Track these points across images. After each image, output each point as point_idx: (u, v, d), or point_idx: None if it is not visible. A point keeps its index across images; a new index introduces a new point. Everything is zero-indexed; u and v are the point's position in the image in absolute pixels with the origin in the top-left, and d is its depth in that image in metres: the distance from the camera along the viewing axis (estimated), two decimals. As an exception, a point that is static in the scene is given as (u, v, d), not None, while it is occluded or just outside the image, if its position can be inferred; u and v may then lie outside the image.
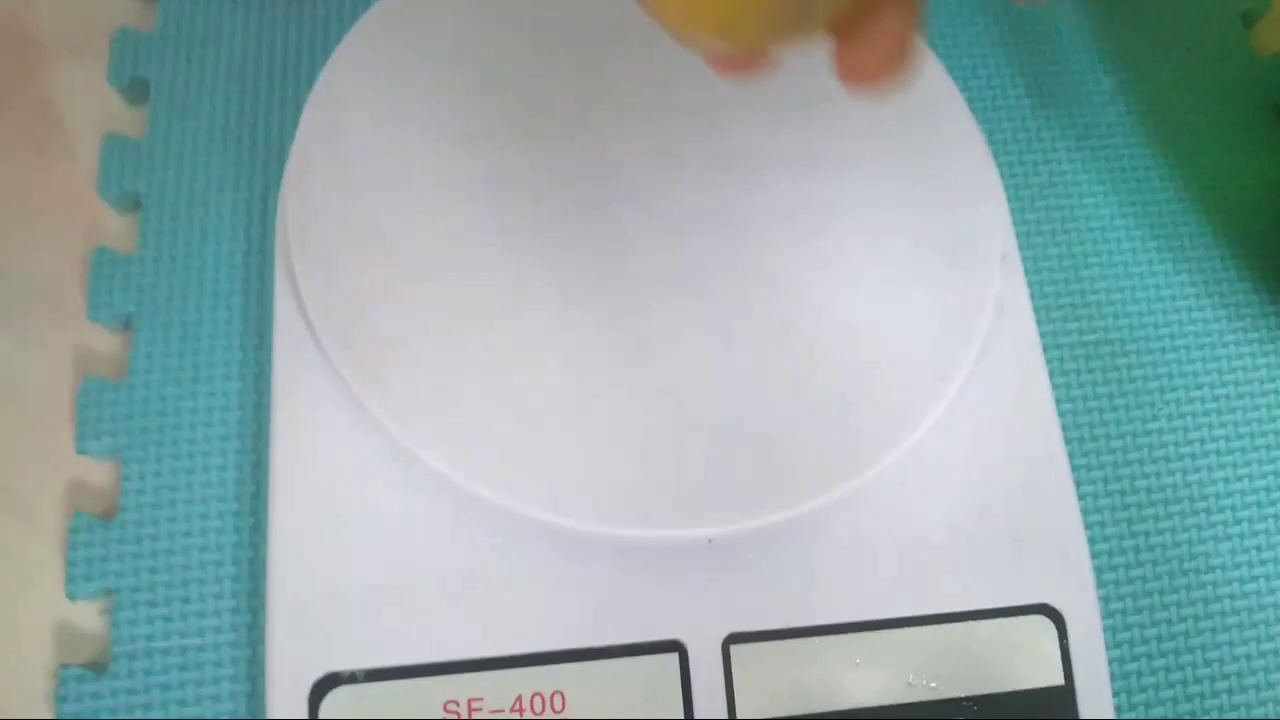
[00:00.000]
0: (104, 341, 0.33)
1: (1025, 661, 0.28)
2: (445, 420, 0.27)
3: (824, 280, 0.30)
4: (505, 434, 0.27)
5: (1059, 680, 0.28)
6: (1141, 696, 0.31)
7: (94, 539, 0.30)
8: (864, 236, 0.31)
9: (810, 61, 0.32)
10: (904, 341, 0.29)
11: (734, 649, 0.28)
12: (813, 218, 0.31)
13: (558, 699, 0.27)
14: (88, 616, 0.30)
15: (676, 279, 0.30)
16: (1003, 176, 0.33)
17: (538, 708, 0.27)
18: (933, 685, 0.28)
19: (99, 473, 0.32)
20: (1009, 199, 0.33)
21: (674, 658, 0.27)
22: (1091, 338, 0.35)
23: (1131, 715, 0.31)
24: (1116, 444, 0.34)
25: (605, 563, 0.27)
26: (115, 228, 0.34)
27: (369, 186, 0.30)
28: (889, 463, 0.28)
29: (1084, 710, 0.28)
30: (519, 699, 0.27)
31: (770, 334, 0.29)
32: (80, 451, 0.31)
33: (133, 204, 0.34)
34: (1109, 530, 0.33)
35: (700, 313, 0.29)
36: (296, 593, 0.27)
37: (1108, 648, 0.29)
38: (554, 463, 0.27)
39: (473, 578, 0.27)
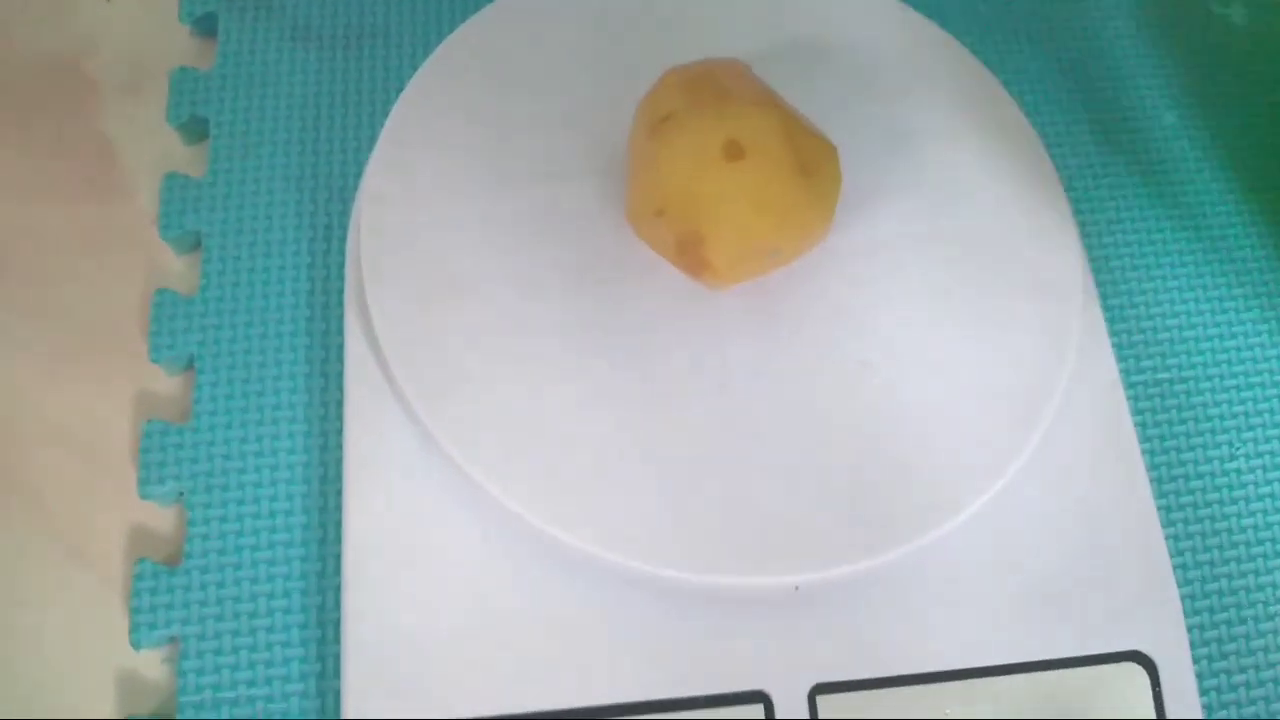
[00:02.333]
0: (166, 384, 0.32)
1: (1118, 710, 0.27)
2: (524, 462, 0.27)
3: (905, 319, 0.29)
4: (585, 477, 0.27)
5: (1153, 729, 0.28)
6: (1232, 745, 0.30)
7: (158, 585, 0.29)
8: (944, 274, 0.30)
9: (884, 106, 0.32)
10: (987, 383, 0.29)
11: (820, 699, 0.27)
12: (892, 256, 0.30)
13: (640, 752, 0.26)
14: (152, 666, 0.30)
15: (756, 317, 0.29)
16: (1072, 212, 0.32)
17: (621, 760, 0.26)
18: (1025, 735, 0.27)
19: (163, 518, 0.31)
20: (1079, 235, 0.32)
21: (759, 708, 0.27)
22: (1165, 375, 0.35)
23: (1222, 765, 0.30)
24: (1195, 484, 0.33)
25: (688, 610, 0.27)
26: (176, 268, 0.34)
27: (443, 225, 0.30)
28: (976, 508, 0.27)
29: (1180, 759, 0.27)
30: (601, 752, 0.26)
31: (852, 374, 0.29)
32: (144, 496, 0.30)
33: (194, 243, 0.34)
34: (1191, 573, 0.32)
35: (781, 352, 0.29)
36: (372, 641, 0.26)
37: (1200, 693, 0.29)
38: (635, 506, 0.26)
39: (552, 626, 0.27)
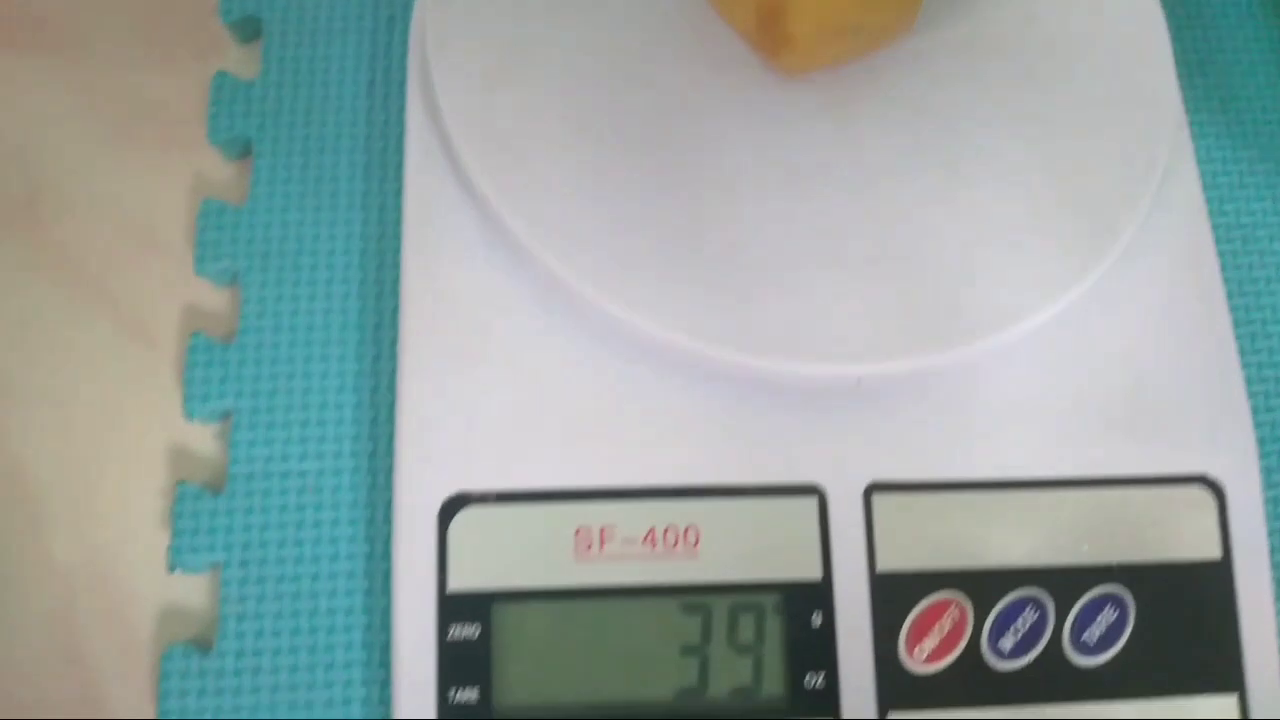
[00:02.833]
0: (223, 166, 0.32)
1: (1181, 533, 0.27)
2: (589, 240, 0.26)
3: (986, 122, 0.28)
4: (651, 258, 0.26)
5: (1216, 554, 0.27)
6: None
7: (213, 359, 0.29)
8: (1032, 79, 0.29)
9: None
10: (1069, 191, 0.28)
11: (876, 497, 0.26)
12: (978, 57, 0.29)
13: (691, 534, 0.26)
14: (205, 440, 0.30)
15: (831, 111, 0.28)
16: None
17: (670, 541, 0.26)
18: (1083, 549, 0.26)
19: (217, 298, 0.31)
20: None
21: (813, 502, 0.26)
22: (1248, 220, 0.33)
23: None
24: (1274, 329, 0.32)
25: (748, 398, 0.26)
26: (236, 54, 0.33)
27: (511, 2, 0.29)
28: (1051, 315, 0.26)
29: (1242, 586, 0.27)
30: (651, 531, 0.26)
31: (935, 172, 0.27)
32: (199, 273, 0.30)
33: (254, 31, 0.33)
34: (1274, 400, 0.31)
35: (855, 147, 0.28)
36: (427, 412, 0.26)
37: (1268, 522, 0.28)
38: (701, 290, 0.26)
39: (609, 405, 0.26)
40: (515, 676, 0.25)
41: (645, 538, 0.26)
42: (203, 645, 0.28)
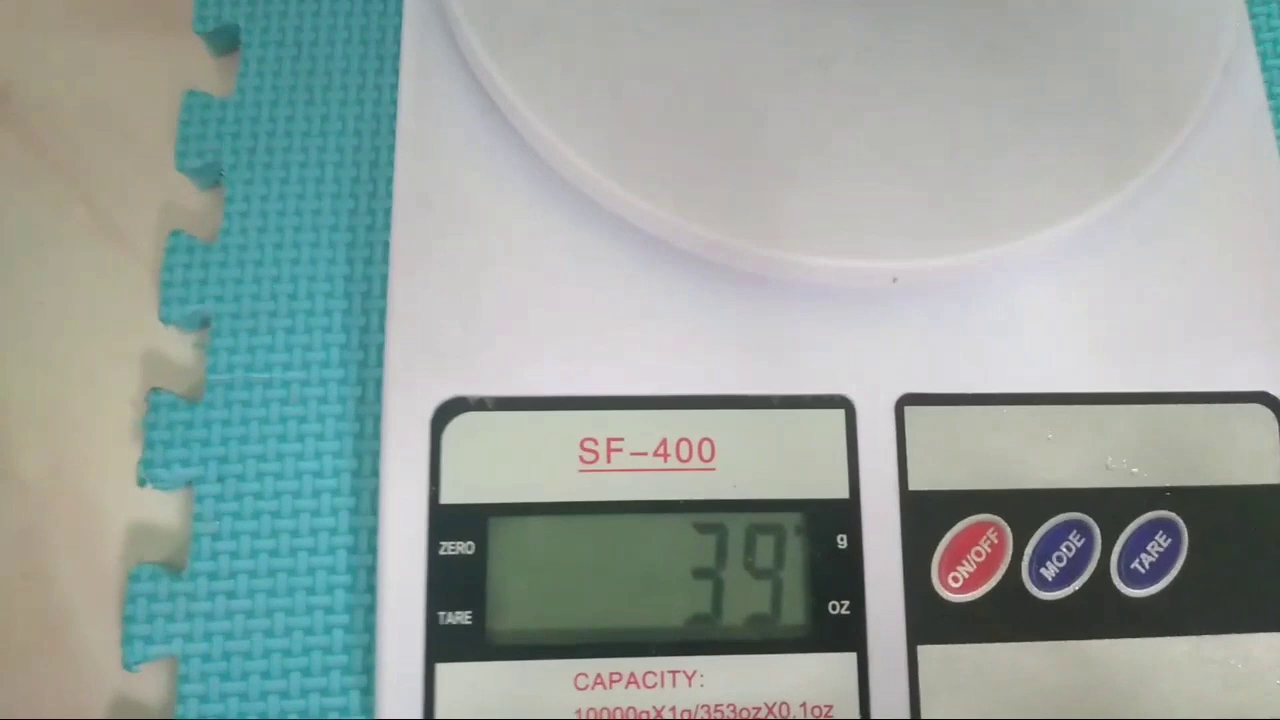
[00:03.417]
0: (208, 58, 0.30)
1: (1239, 455, 0.25)
2: (601, 123, 0.24)
3: (1044, 7, 0.26)
4: (669, 144, 0.24)
5: (1276, 479, 0.25)
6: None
7: (192, 260, 0.27)
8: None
9: None
10: (1127, 83, 0.25)
11: (909, 410, 0.24)
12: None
13: (706, 447, 0.24)
14: (182, 347, 0.28)
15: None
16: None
17: (684, 455, 0.24)
18: (1133, 470, 0.24)
19: (199, 196, 0.29)
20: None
21: (839, 415, 0.24)
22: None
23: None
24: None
25: (772, 299, 0.24)
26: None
27: None
28: (1100, 214, 0.24)
29: (1305, 514, 0.24)
30: (663, 443, 0.24)
31: (982, 59, 0.25)
32: (181, 169, 0.28)
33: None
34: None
35: (903, 29, 0.25)
36: (421, 308, 0.24)
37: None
38: (725, 179, 0.24)
39: (620, 306, 0.24)
40: (511, 598, 0.23)
41: (657, 450, 0.24)
42: (174, 567, 0.26)
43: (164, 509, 0.26)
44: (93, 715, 0.25)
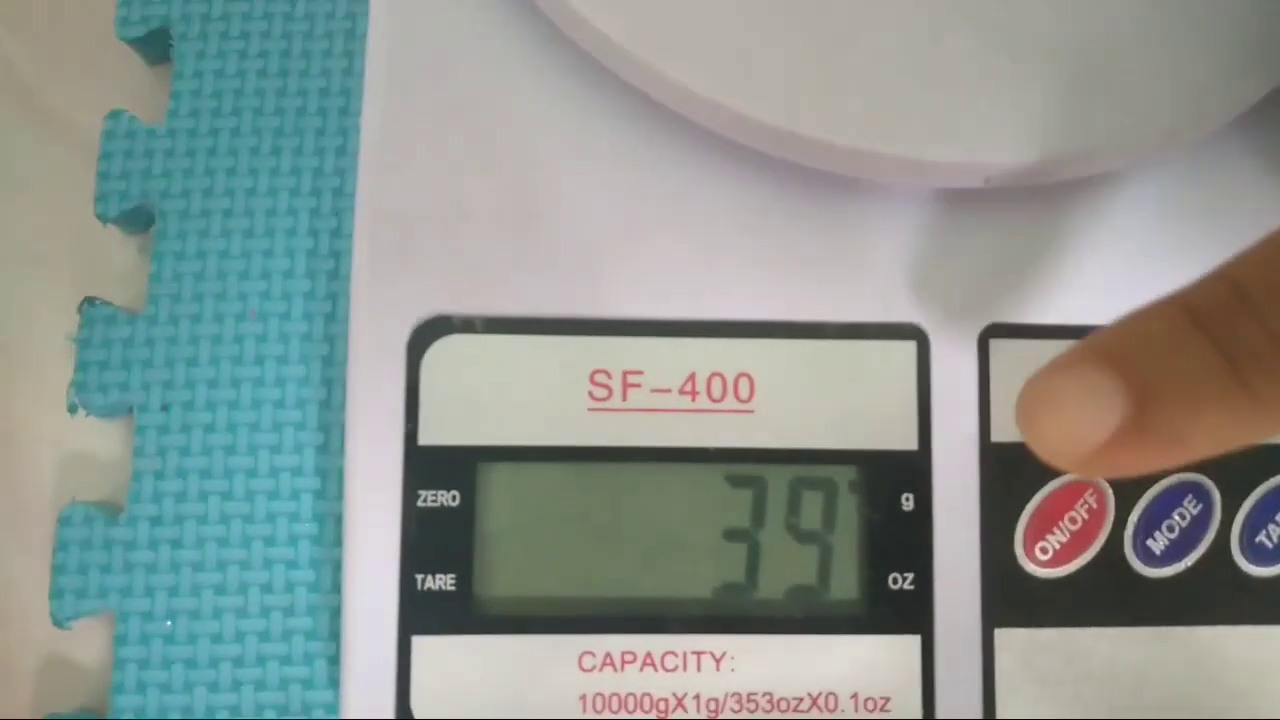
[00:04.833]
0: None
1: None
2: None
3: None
4: (710, 8, 0.19)
5: None
6: None
7: (134, 147, 0.23)
8: None
9: None
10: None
11: (994, 344, 0.20)
12: None
13: (743, 384, 0.20)
14: (122, 250, 0.24)
15: None
16: None
17: (715, 393, 0.20)
18: (1266, 424, 0.20)
19: (142, 71, 0.24)
20: None
21: (909, 347, 0.20)
22: None
23: None
24: None
25: (828, 200, 0.20)
26: None
27: None
28: (1222, 126, 0.19)
29: None
30: (691, 378, 0.20)
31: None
32: (122, 37, 0.24)
33: None
34: None
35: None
36: (396, 206, 0.20)
37: None
38: (776, 49, 0.19)
39: (641, 209, 0.20)
40: (503, 560, 0.20)
41: (683, 386, 0.20)
42: (111, 508, 0.22)
43: (100, 440, 0.23)
44: (21, 675, 0.22)
